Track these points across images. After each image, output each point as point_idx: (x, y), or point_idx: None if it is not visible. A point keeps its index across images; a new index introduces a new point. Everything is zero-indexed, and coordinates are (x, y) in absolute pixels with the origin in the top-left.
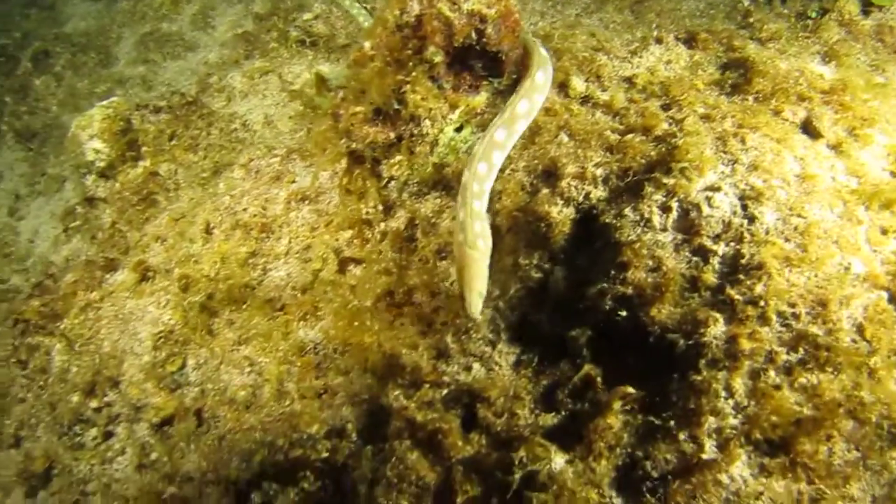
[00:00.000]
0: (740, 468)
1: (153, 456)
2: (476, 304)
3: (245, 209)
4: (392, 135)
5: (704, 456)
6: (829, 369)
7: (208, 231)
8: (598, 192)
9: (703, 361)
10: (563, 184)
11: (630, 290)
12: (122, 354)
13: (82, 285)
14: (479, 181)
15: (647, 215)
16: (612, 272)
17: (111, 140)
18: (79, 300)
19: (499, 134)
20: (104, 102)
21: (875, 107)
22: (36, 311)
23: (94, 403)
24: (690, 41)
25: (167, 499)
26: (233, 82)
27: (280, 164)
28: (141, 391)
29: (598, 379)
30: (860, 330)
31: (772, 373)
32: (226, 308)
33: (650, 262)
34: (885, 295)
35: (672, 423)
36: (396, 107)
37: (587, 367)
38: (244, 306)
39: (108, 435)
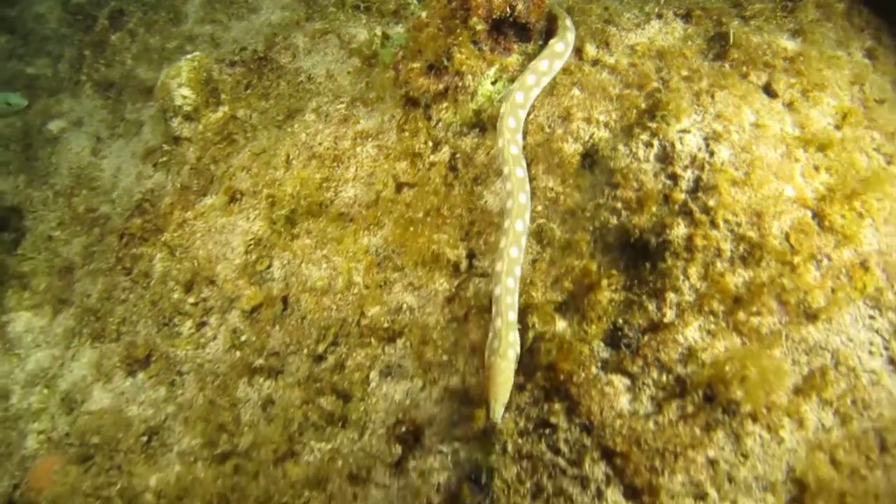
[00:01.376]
0: (692, 331)
1: (243, 338)
2: (499, 412)
3: (320, 143)
4: (441, 86)
5: (666, 320)
6: (762, 263)
7: (288, 161)
8: (601, 133)
9: (668, 254)
10: (574, 126)
11: (619, 204)
12: (217, 259)
13: (178, 206)
14: (512, 294)
15: (634, 150)
16: (607, 191)
17: (196, 87)
18: (176, 218)
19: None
20: (189, 56)
21: (828, 75)
22: (139, 227)
23: (191, 299)
24: (687, 17)
25: (256, 368)
26: (296, 41)
27: (346, 109)
28: (234, 286)
29: (594, 267)
30: (787, 237)
31: (718, 263)
32: (305, 220)
33: (635, 184)
34: (809, 213)
35: (644, 297)
36: (445, 63)
37: (587, 262)
38: (320, 219)
39: (202, 325)
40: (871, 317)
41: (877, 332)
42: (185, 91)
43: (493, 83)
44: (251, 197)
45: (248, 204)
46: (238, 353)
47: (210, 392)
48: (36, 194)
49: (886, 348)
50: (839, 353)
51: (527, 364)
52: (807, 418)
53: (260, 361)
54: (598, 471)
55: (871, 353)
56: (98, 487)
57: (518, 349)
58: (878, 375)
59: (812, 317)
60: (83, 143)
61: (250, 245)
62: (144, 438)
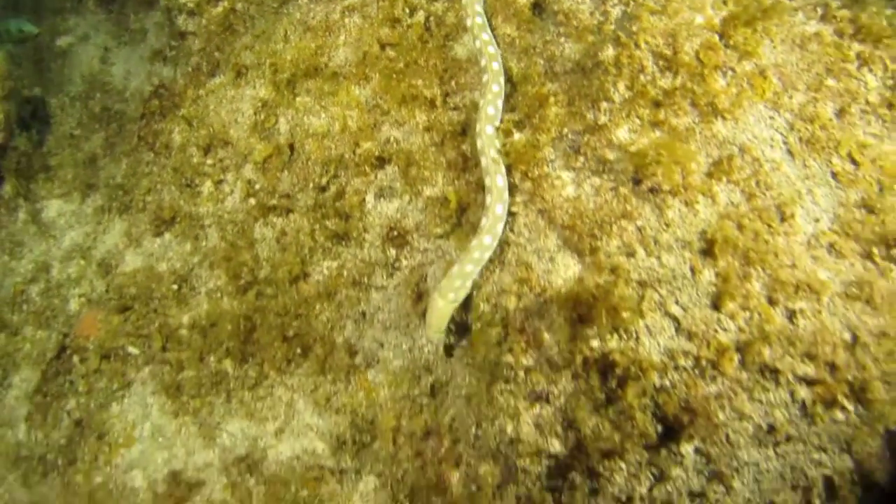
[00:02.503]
0: (622, 131)
1: (257, 186)
2: (434, 336)
3: (312, 18)
4: None
5: (600, 123)
6: (677, 74)
7: (286, 37)
8: None
9: (600, 71)
10: None
11: (563, 39)
12: (230, 124)
13: (191, 86)
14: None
15: None
16: (553, 29)
17: None
18: (190, 95)
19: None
20: None
21: None
22: (157, 106)
23: (210, 161)
24: None
25: (269, 208)
26: None
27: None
28: (246, 144)
29: (545, 90)
30: (696, 54)
31: (640, 76)
32: (304, 81)
33: (575, 21)
34: (717, 35)
35: (583, 108)
36: None
37: (538, 87)
38: (317, 79)
39: (220, 182)
40: (771, 117)
41: (776, 129)
42: None
43: None
44: (255, 69)
45: (253, 76)
46: (253, 201)
47: (230, 237)
48: (53, 101)
49: (784, 142)
50: (745, 146)
51: None
52: (718, 195)
53: (273, 202)
54: (551, 242)
55: (771, 146)
56: (138, 328)
57: (461, 297)
58: (778, 164)
59: (720, 116)
60: (92, 54)
61: (258, 107)
62: (175, 286)
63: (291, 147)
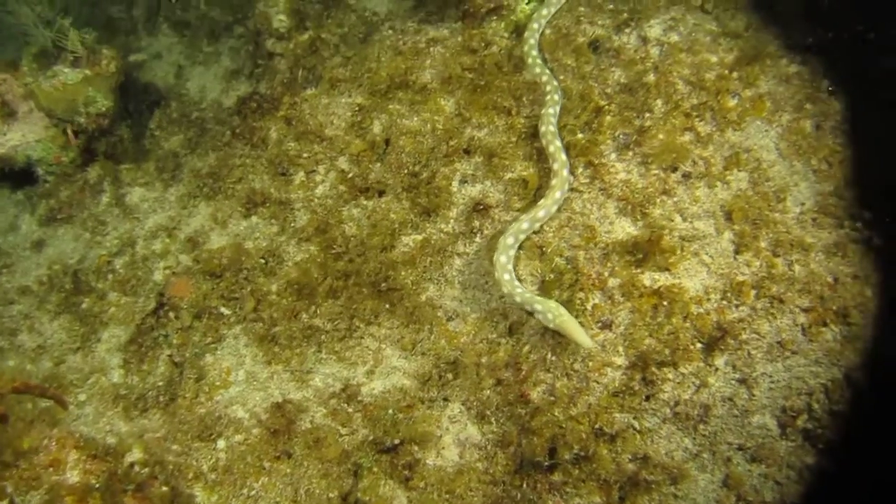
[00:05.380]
0: (662, 134)
1: (350, 175)
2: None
3: (403, 44)
4: (492, 4)
5: (645, 125)
6: (699, 93)
7: (378, 58)
8: (600, 31)
9: (643, 91)
10: (582, 27)
11: (614, 67)
12: (326, 125)
13: (287, 93)
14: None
15: (623, 37)
16: (605, 60)
17: (289, 14)
18: (286, 101)
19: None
20: None
21: None
22: (255, 108)
23: (305, 154)
24: None
25: (362, 190)
26: None
27: (417, 25)
28: (343, 141)
29: (602, 102)
30: (714, 81)
31: (674, 95)
32: (397, 92)
33: (623, 56)
34: (727, 70)
35: (632, 115)
36: None
37: (595, 101)
38: (408, 91)
39: (312, 172)
40: (766, 130)
41: (770, 138)
42: (282, 17)
43: (528, 3)
44: (350, 83)
45: (348, 87)
46: (343, 187)
47: (321, 215)
48: (131, 105)
49: (777, 148)
50: (749, 148)
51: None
52: (731, 182)
53: (365, 186)
54: (610, 210)
55: (767, 151)
56: (231, 291)
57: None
58: (773, 163)
59: (731, 126)
60: (166, 69)
61: (355, 110)
62: (262, 260)
63: (387, 142)
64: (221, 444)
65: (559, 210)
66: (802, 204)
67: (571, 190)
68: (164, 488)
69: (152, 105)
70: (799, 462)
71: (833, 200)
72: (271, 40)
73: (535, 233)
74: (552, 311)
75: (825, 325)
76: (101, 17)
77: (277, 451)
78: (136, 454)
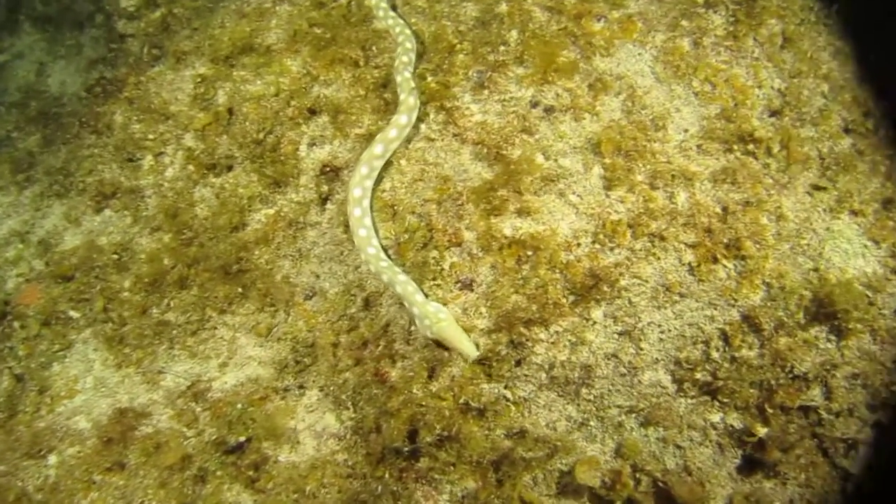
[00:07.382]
0: (518, 68)
1: (196, 153)
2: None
3: (247, 6)
4: None
5: (500, 60)
6: (559, 19)
7: (223, 24)
8: None
9: (496, 23)
10: None
11: (465, 2)
12: (170, 101)
13: (132, 73)
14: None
15: None
16: None
17: None
18: (132, 81)
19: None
20: None
21: None
22: (98, 93)
23: (151, 135)
24: None
25: (209, 167)
26: None
27: None
28: (187, 116)
29: (454, 41)
30: (576, 5)
31: (529, 24)
32: (241, 57)
33: None
34: None
35: (486, 50)
36: None
37: (449, 41)
38: (252, 54)
39: (160, 154)
40: (639, 53)
41: (644, 62)
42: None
43: None
44: (194, 54)
45: (192, 59)
46: (192, 167)
47: (171, 200)
48: None
49: (653, 72)
50: (621, 75)
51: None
52: (601, 113)
53: (212, 162)
54: (465, 157)
55: (642, 76)
56: (81, 293)
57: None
58: (649, 88)
59: (598, 52)
60: (27, 68)
61: (198, 81)
62: (115, 256)
63: (230, 111)
64: (53, 459)
65: (409, 142)
66: (686, 130)
67: (428, 140)
68: None
69: (11, 107)
70: (701, 420)
71: (720, 124)
72: (122, 21)
73: (384, 191)
74: (429, 317)
75: (716, 261)
76: None
77: (110, 461)
78: None
